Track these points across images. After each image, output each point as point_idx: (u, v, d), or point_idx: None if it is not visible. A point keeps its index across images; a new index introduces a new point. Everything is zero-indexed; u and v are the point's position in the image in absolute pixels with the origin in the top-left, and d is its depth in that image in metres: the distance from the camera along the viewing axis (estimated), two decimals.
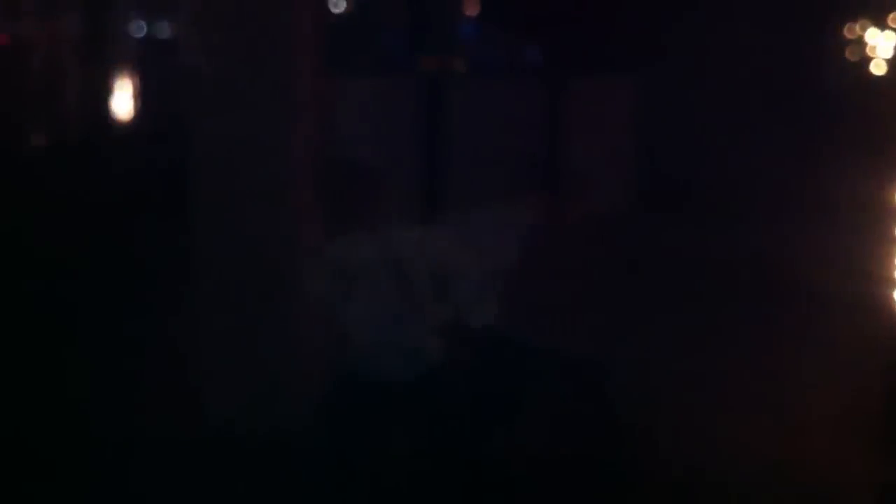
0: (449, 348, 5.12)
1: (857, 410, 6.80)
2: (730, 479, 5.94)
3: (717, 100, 14.86)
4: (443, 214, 12.57)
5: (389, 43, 16.41)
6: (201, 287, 6.51)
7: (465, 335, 5.19)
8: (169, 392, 6.70)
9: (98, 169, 10.23)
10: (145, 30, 10.60)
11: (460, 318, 5.17)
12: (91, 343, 7.72)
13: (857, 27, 19.01)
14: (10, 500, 5.61)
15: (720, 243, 11.36)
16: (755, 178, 13.82)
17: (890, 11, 18.16)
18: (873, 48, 18.65)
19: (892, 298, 9.53)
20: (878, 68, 18.52)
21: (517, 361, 7.99)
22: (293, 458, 5.75)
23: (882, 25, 18.43)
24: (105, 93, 11.20)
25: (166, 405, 6.55)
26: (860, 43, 19.01)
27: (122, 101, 11.16)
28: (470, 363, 5.41)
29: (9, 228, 9.09)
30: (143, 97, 10.54)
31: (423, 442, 5.09)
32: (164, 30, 9.60)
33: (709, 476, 5.99)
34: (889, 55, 18.14)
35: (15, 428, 6.31)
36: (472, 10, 17.81)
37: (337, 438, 5.14)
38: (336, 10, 16.17)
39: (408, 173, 12.60)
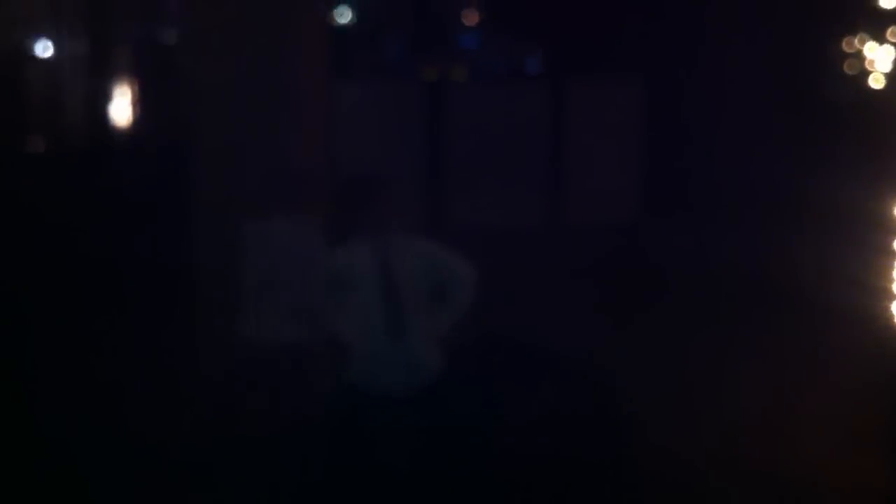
0: (444, 354, 5.11)
1: (857, 419, 6.81)
2: (730, 483, 5.95)
3: (716, 112, 14.86)
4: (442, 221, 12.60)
5: (391, 51, 16.44)
6: (202, 291, 6.52)
7: (460, 341, 5.20)
8: (166, 393, 6.71)
9: (101, 174, 10.24)
10: (150, 36, 10.62)
11: (455, 324, 5.16)
12: (90, 344, 7.72)
13: (856, 41, 19.00)
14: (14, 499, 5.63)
15: (718, 252, 11.37)
16: (754, 189, 13.82)
17: (889, 25, 18.16)
18: (872, 62, 18.63)
19: (891, 310, 9.54)
20: (876, 82, 18.51)
21: (515, 365, 8.03)
22: (289, 461, 5.75)
23: (881, 39, 18.42)
24: (109, 99, 11.20)
25: (164, 406, 6.56)
26: (859, 57, 19.00)
27: (126, 107, 11.16)
28: (466, 368, 5.42)
29: (18, 232, 9.12)
30: (149, 103, 10.54)
31: (421, 448, 5.08)
32: (170, 36, 9.61)
33: (706, 479, 6.00)
34: (888, 69, 18.13)
35: (16, 428, 6.32)
36: (473, 18, 17.85)
37: (333, 444, 5.13)
38: (341, 21, 16.15)
39: (409, 179, 12.62)
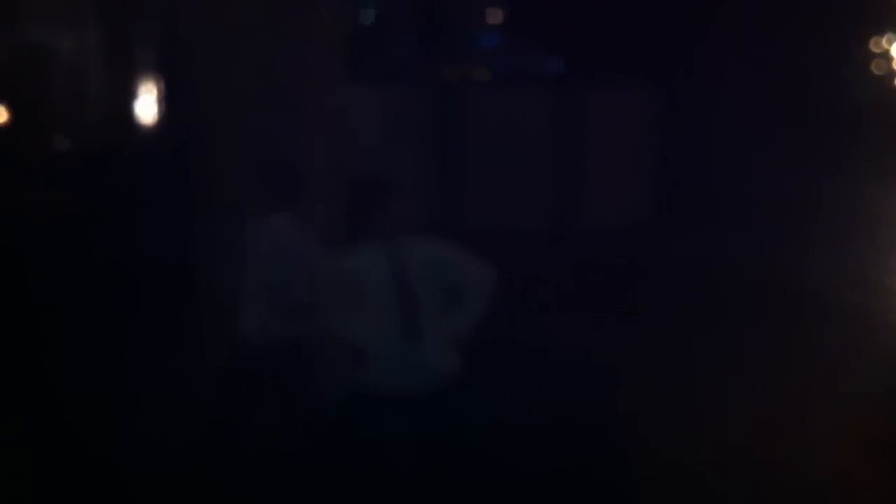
0: (460, 356, 5.00)
1: (866, 419, 6.72)
2: (737, 485, 5.84)
3: (741, 112, 14.74)
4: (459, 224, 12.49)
5: (409, 52, 16.36)
6: (214, 293, 6.41)
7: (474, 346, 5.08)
8: (178, 397, 6.61)
9: (116, 173, 10.19)
10: (164, 35, 10.57)
11: (472, 325, 5.04)
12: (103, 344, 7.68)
13: (884, 41, 18.89)
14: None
15: (743, 254, 11.26)
16: (778, 190, 13.68)
17: None
18: None
19: None
20: None
21: (528, 370, 7.90)
22: (302, 467, 5.65)
23: None
24: (125, 98, 11.19)
25: (177, 409, 6.47)
26: (886, 57, 18.88)
27: (142, 106, 11.13)
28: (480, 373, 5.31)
29: (35, 230, 9.08)
30: (164, 103, 10.51)
31: (432, 454, 4.96)
32: (184, 36, 9.56)
33: (725, 484, 5.89)
34: None
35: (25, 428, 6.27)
36: (493, 19, 17.78)
37: (346, 450, 5.04)
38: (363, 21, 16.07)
39: (425, 182, 12.50)
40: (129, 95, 11.04)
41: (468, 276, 4.88)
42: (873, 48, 18.49)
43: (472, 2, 17.90)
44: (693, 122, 14.40)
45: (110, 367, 7.18)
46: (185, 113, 8.11)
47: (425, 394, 4.84)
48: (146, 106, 10.73)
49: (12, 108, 11.30)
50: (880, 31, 18.27)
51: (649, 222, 12.90)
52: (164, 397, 6.62)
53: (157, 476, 5.75)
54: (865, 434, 6.45)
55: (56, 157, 11.63)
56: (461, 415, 4.96)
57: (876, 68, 18.55)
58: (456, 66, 16.30)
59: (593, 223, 12.87)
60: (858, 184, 13.58)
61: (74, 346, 7.53)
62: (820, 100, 15.45)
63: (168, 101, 10.10)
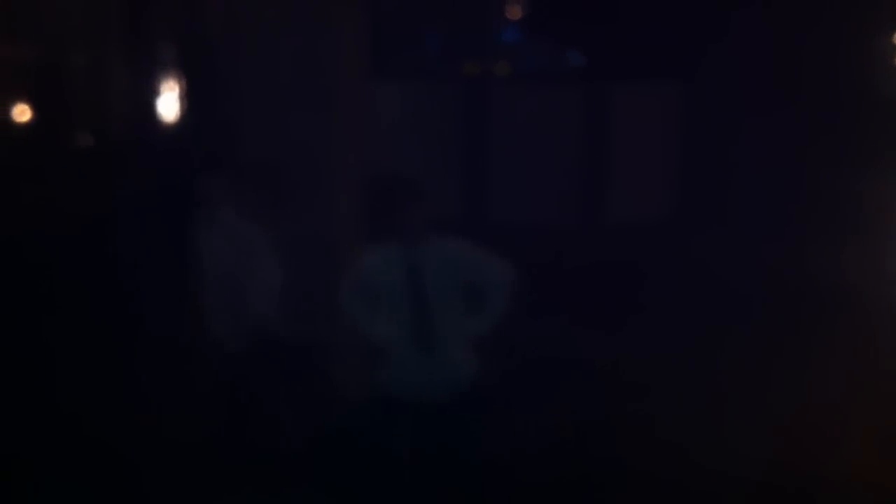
0: (479, 360, 5.02)
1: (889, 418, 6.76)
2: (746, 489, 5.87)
3: (763, 106, 14.71)
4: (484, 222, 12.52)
5: (429, 48, 16.37)
6: (228, 294, 6.45)
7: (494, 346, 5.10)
8: (196, 397, 6.66)
9: (140, 170, 10.28)
10: (189, 34, 10.62)
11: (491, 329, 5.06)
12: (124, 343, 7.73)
13: None
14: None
15: (767, 251, 11.26)
16: (801, 184, 13.68)
17: None
18: None
19: None
20: None
21: (548, 372, 7.94)
22: (320, 470, 5.69)
23: None
24: (149, 95, 11.27)
25: (192, 410, 6.51)
26: None
27: (167, 103, 11.23)
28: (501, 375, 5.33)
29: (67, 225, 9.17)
30: (188, 100, 10.59)
31: (451, 455, 4.99)
32: (209, 34, 9.60)
33: (723, 484, 5.93)
34: None
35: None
36: (515, 14, 17.77)
37: (366, 451, 5.07)
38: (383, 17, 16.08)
39: (445, 178, 12.54)
40: (152, 94, 11.11)
41: (488, 277, 4.91)
42: None
43: None
44: (715, 118, 14.40)
45: (123, 369, 7.25)
46: (206, 112, 8.18)
47: (440, 397, 4.87)
48: (168, 105, 10.80)
49: (36, 107, 11.42)
50: None
51: (673, 219, 12.92)
52: (175, 400, 6.68)
53: (162, 479, 5.80)
54: (888, 434, 6.49)
55: (78, 156, 11.73)
56: (477, 418, 5.00)
57: None
58: (477, 61, 16.32)
59: (616, 220, 12.89)
60: (886, 178, 13.57)
61: (84, 348, 7.60)
62: (845, 94, 15.39)
63: (190, 100, 10.15)
